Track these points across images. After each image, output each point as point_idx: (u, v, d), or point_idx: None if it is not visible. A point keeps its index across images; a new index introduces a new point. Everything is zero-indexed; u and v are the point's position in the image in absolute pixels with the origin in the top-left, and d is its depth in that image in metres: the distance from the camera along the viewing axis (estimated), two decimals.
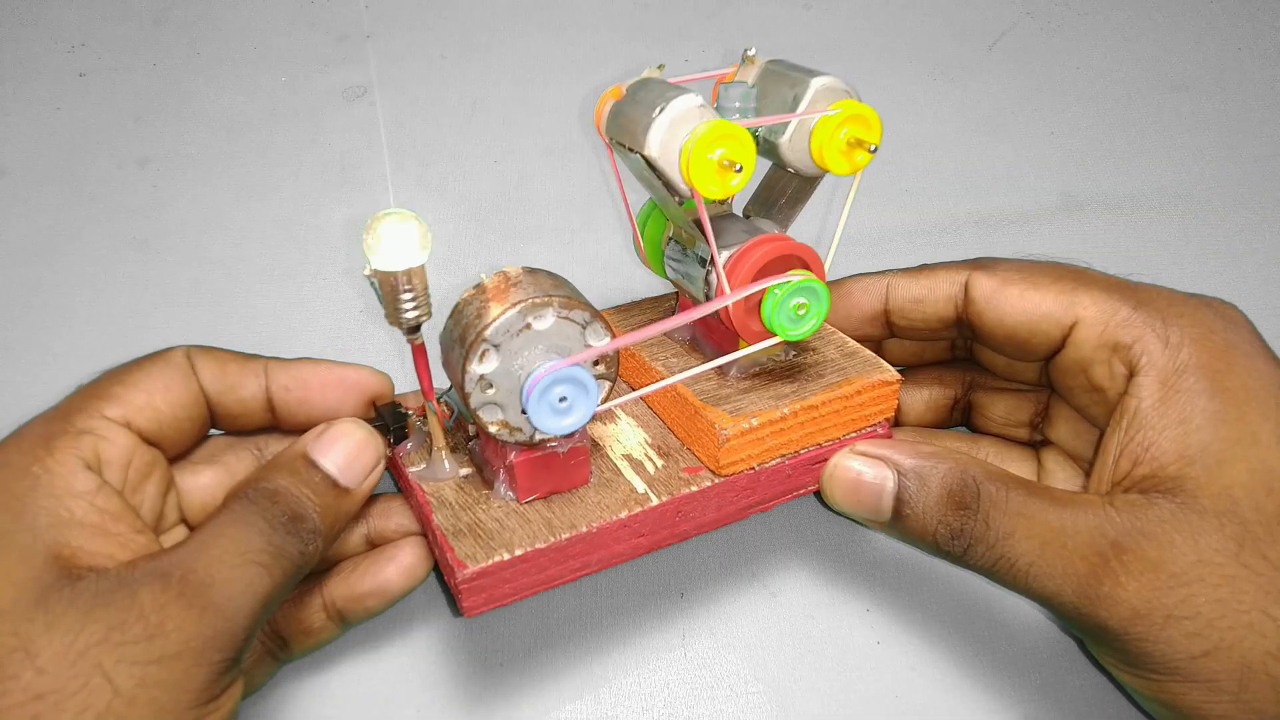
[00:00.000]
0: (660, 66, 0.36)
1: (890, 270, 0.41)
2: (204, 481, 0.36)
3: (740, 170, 0.32)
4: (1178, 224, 0.57)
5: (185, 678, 0.28)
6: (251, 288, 0.54)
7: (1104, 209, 0.58)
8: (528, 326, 0.32)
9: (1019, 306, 0.37)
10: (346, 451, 0.33)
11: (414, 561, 0.36)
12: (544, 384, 0.32)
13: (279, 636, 0.35)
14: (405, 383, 0.43)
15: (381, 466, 0.34)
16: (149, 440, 0.33)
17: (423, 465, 0.37)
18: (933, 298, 0.39)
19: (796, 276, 0.35)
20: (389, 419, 0.36)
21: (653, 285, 0.45)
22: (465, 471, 0.37)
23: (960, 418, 0.44)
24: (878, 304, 0.41)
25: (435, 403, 0.36)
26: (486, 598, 0.34)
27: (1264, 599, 0.30)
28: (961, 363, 0.44)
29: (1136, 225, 0.57)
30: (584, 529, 0.34)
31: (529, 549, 0.33)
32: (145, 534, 0.30)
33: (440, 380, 0.37)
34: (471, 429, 0.37)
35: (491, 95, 0.67)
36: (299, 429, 0.36)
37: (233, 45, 0.71)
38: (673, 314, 0.43)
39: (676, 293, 0.44)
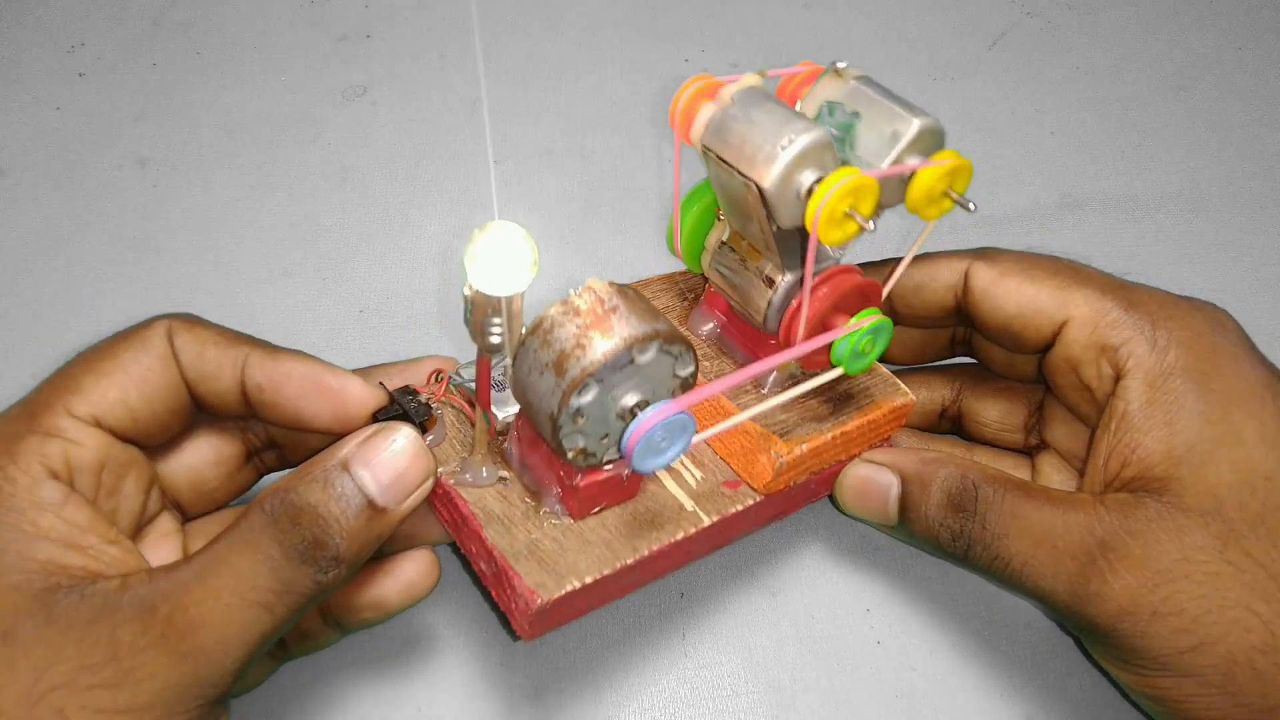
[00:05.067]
0: (762, 73, 0.35)
1: (893, 258, 0.41)
2: (188, 461, 0.34)
3: (871, 229, 0.31)
4: (1178, 224, 0.57)
5: None
6: (251, 288, 0.54)
7: (1104, 209, 0.58)
8: (632, 361, 0.31)
9: (1014, 299, 0.37)
10: (393, 467, 0.30)
11: (416, 579, 0.35)
12: (653, 431, 0.30)
13: None
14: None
15: (429, 484, 0.31)
16: (124, 436, 0.31)
17: (454, 466, 0.35)
18: (933, 285, 0.40)
19: (868, 319, 0.35)
20: (411, 411, 0.33)
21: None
22: (503, 474, 0.35)
23: (950, 426, 0.44)
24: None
25: (488, 409, 0.33)
26: (549, 622, 0.33)
27: (1248, 595, 0.31)
28: (954, 366, 0.44)
29: (1136, 225, 0.57)
30: (645, 552, 0.33)
31: (597, 575, 0.32)
32: (119, 543, 0.28)
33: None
34: (499, 424, 0.35)
35: (491, 95, 0.67)
36: (277, 425, 0.34)
37: (233, 45, 0.71)
38: (685, 296, 0.42)
39: (685, 272, 0.43)
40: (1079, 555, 0.32)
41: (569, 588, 0.31)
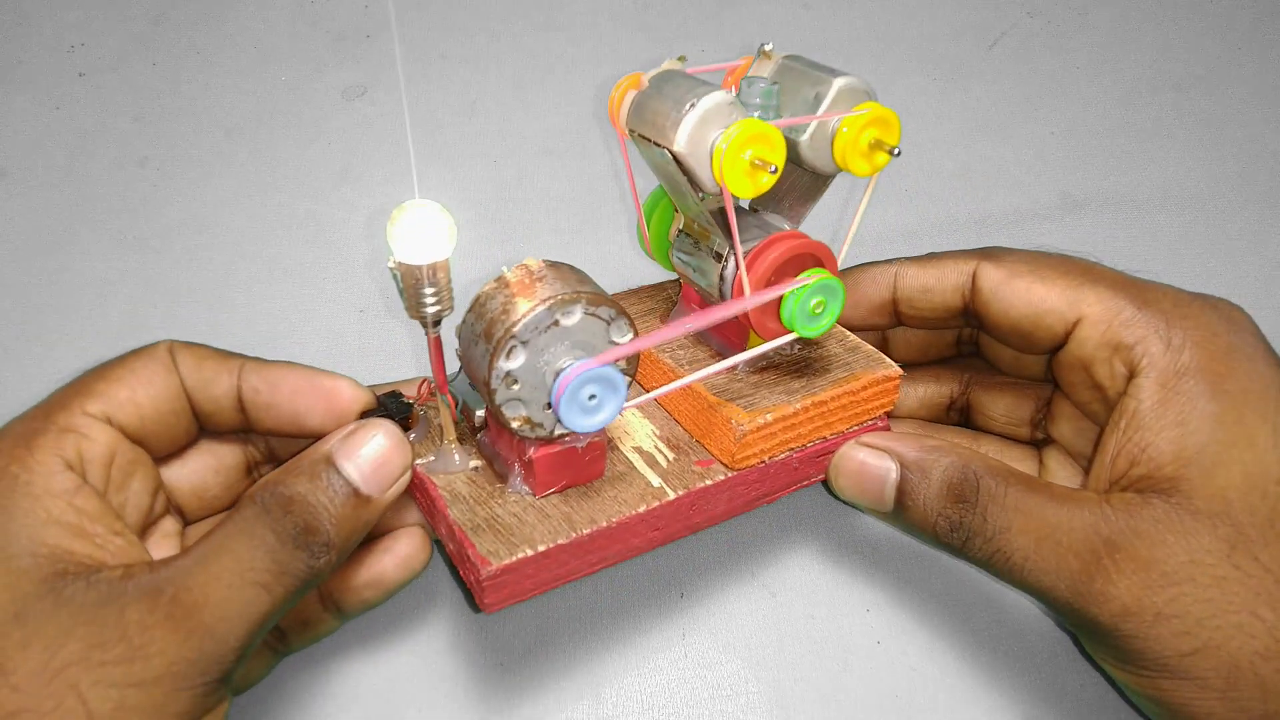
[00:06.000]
0: (681, 58, 0.36)
1: (898, 259, 0.41)
2: (191, 467, 0.35)
3: (775, 171, 0.32)
4: (1177, 224, 0.57)
5: (166, 702, 0.27)
6: (251, 288, 0.54)
7: (1104, 209, 0.58)
8: (555, 323, 0.32)
9: (1024, 299, 0.37)
10: (373, 457, 0.31)
11: (411, 553, 0.36)
12: (575, 384, 0.32)
13: (276, 629, 0.35)
14: (403, 375, 0.43)
15: (409, 475, 0.33)
16: (133, 437, 0.32)
17: (431, 457, 0.36)
18: (940, 287, 0.39)
19: (813, 276, 0.35)
20: (392, 409, 0.35)
21: (652, 281, 0.45)
22: (475, 464, 0.36)
23: (958, 419, 0.44)
24: (885, 293, 0.41)
25: (448, 395, 0.35)
26: (508, 593, 0.33)
27: (1253, 600, 0.31)
28: (962, 360, 0.44)
29: (1136, 225, 0.57)
30: (604, 524, 0.34)
31: (551, 545, 0.33)
32: (124, 535, 0.30)
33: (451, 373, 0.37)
34: (478, 420, 0.36)
35: (491, 95, 0.67)
36: (271, 433, 0.35)
37: (233, 45, 0.71)
38: (673, 302, 0.43)
39: (677, 280, 0.44)
40: (1082, 553, 0.32)
41: (520, 555, 0.32)
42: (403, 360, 0.50)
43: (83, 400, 0.31)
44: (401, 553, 0.36)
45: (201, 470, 0.35)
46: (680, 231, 0.39)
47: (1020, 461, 0.41)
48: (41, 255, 0.56)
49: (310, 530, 0.30)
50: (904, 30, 0.72)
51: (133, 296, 0.53)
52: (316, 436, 0.35)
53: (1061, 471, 0.40)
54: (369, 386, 0.36)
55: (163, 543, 0.34)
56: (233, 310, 0.52)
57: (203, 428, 0.35)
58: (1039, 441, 0.42)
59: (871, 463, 0.37)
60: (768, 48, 0.37)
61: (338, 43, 0.71)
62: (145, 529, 0.33)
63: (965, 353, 0.43)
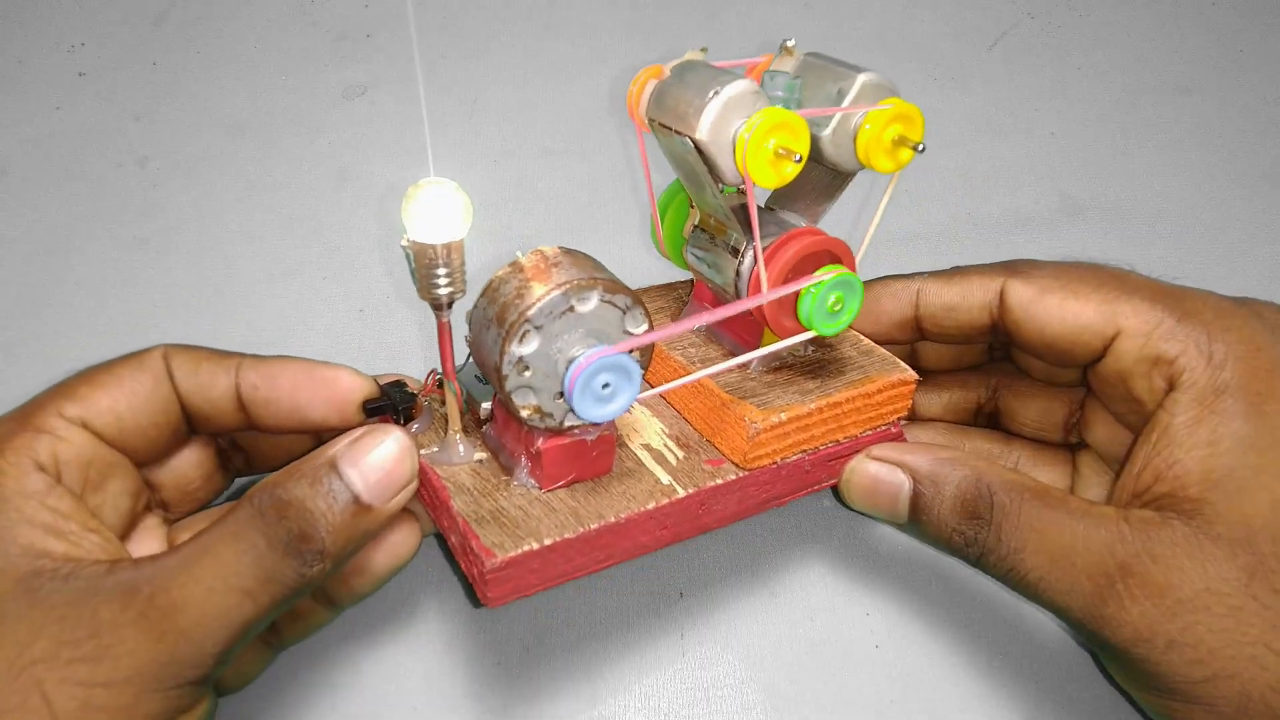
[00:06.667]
0: (703, 49, 0.35)
1: (920, 274, 0.40)
2: (174, 463, 0.35)
3: (799, 160, 0.32)
4: (1178, 226, 0.57)
5: (135, 702, 0.27)
6: (251, 288, 0.54)
7: (1104, 210, 0.58)
8: (571, 309, 0.31)
9: (1058, 317, 0.36)
10: (379, 465, 0.30)
11: (398, 540, 0.35)
12: (590, 371, 0.31)
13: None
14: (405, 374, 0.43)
15: (415, 485, 0.32)
16: (111, 444, 0.32)
17: (434, 448, 0.35)
18: (966, 305, 0.38)
19: (831, 272, 0.35)
20: (396, 399, 0.35)
21: (656, 282, 0.45)
22: (480, 456, 0.36)
23: (986, 423, 0.43)
24: (908, 310, 0.40)
25: (455, 383, 0.34)
26: (512, 588, 0.32)
27: (1269, 633, 0.30)
28: (989, 365, 0.43)
29: (1136, 227, 0.57)
30: (612, 519, 0.33)
31: (557, 539, 0.32)
32: (100, 533, 0.29)
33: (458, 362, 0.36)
34: (483, 413, 0.36)
35: (491, 95, 0.67)
36: (272, 430, 0.35)
37: (233, 45, 0.71)
38: (684, 302, 0.42)
39: (688, 281, 0.44)
40: (1097, 576, 0.32)
41: (525, 548, 0.32)
42: (405, 360, 0.50)
43: (60, 404, 0.31)
44: (387, 541, 0.35)
45: (183, 465, 0.35)
46: (696, 227, 0.39)
47: (1052, 466, 0.41)
48: (41, 255, 0.56)
49: (304, 537, 0.29)
50: (904, 30, 0.72)
51: (133, 296, 0.53)
52: (320, 429, 0.35)
53: (1095, 478, 0.39)
54: (373, 377, 0.36)
55: (145, 538, 0.34)
56: (233, 310, 0.52)
57: (201, 430, 0.34)
58: (1072, 445, 0.41)
59: (885, 478, 0.36)
60: (790, 43, 0.36)
61: (338, 43, 0.71)
62: (126, 531, 0.33)
63: (996, 358, 0.43)
